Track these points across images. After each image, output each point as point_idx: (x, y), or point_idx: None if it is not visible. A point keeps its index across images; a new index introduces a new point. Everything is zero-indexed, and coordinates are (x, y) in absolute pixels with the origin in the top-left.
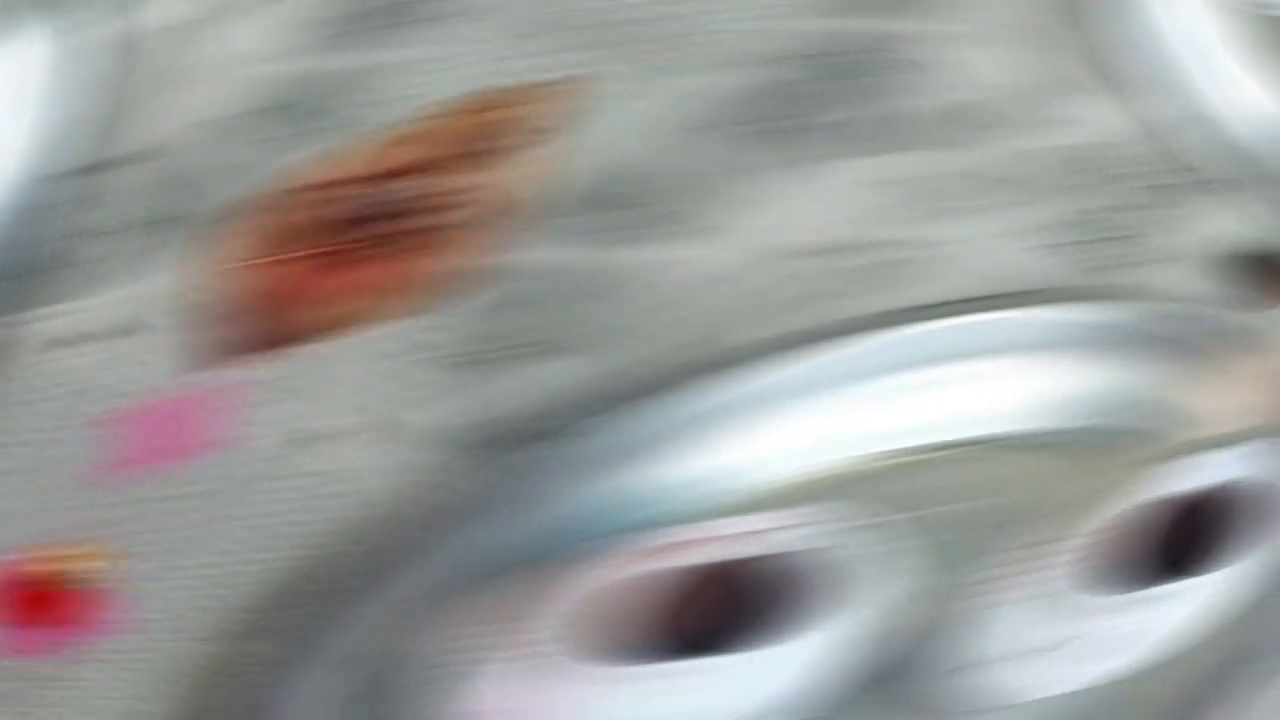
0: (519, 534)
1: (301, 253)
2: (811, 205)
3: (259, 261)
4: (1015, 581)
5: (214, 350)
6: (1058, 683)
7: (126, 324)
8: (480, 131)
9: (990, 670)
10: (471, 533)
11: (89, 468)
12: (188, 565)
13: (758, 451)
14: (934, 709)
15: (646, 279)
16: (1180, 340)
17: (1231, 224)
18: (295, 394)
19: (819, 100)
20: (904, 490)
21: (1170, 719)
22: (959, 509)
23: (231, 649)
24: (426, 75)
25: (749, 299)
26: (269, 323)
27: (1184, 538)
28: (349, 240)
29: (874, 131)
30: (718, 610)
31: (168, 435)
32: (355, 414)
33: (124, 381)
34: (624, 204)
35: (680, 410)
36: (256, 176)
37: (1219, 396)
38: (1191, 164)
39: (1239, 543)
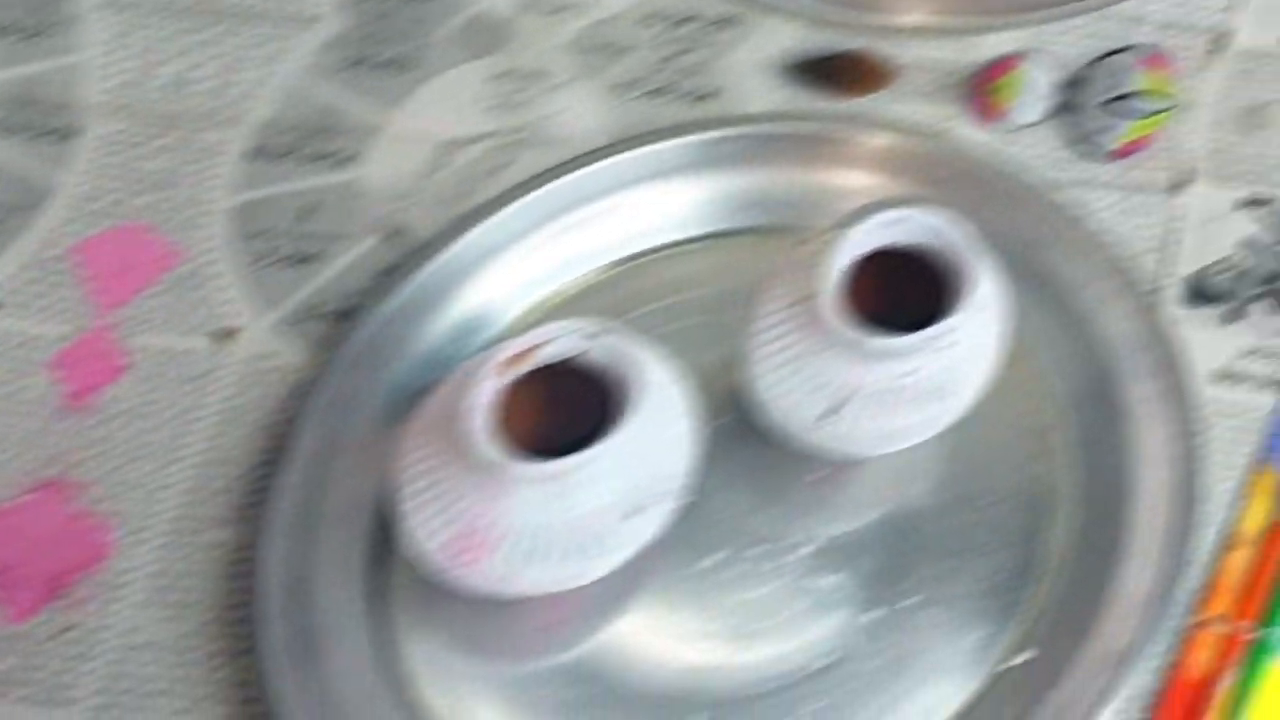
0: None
1: None
2: (448, 109)
3: None
4: (767, 350)
5: None
6: (894, 433)
7: None
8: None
9: (820, 429)
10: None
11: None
12: (139, 477)
13: (506, 288)
14: (799, 462)
15: (341, 194)
16: (787, 140)
17: (795, 38)
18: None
19: (418, 24)
20: (620, 297)
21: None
22: (674, 301)
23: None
24: None
25: (429, 190)
26: None
27: (905, 295)
28: None
29: (473, 37)
30: (561, 414)
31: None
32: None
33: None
34: (300, 143)
35: (443, 269)
36: None
37: (842, 179)
38: None
39: (950, 294)
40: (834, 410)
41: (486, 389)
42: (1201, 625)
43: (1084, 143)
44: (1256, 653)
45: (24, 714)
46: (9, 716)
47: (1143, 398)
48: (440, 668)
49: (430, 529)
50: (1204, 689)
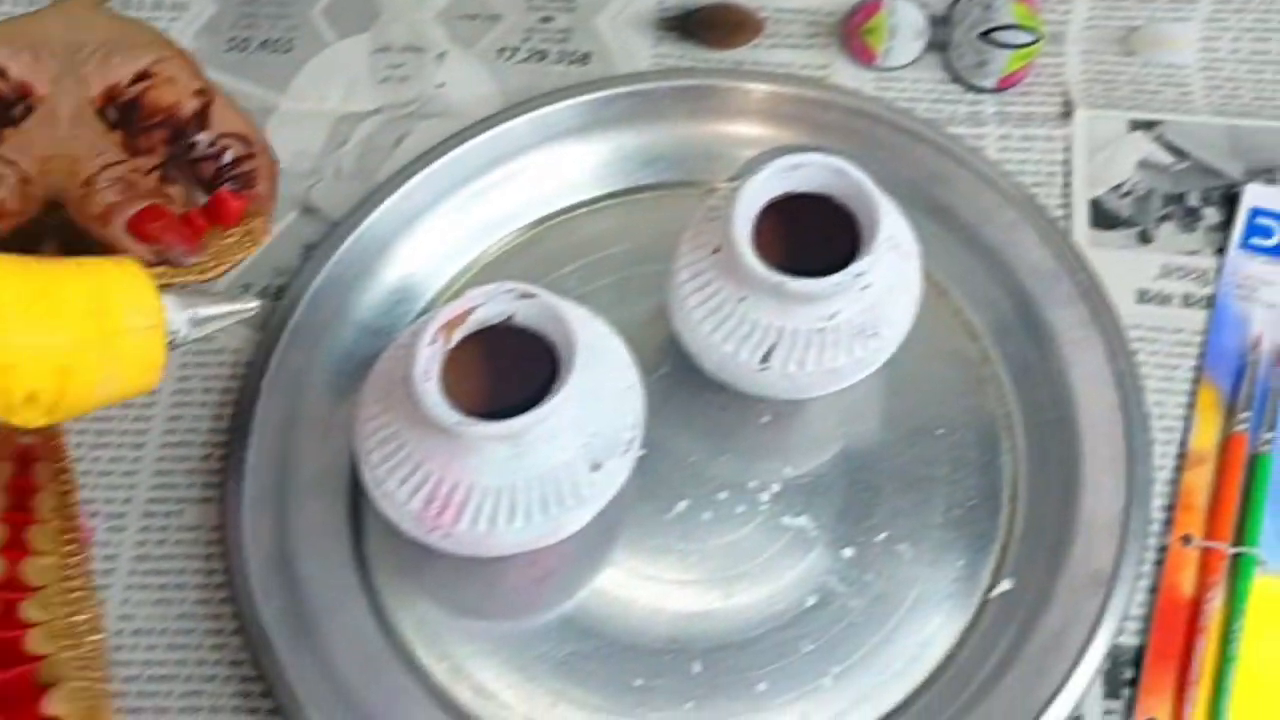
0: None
1: None
2: (336, 85)
3: None
4: (692, 302)
5: None
6: (830, 374)
7: None
8: None
9: (756, 374)
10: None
11: None
12: (103, 465)
13: (427, 258)
14: (745, 406)
15: None
16: (672, 95)
17: None
18: None
19: (285, 5)
20: (536, 259)
21: None
22: (589, 261)
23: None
24: None
25: (333, 167)
26: None
27: (819, 240)
28: None
29: (342, 14)
30: (510, 375)
31: None
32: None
33: None
34: None
35: (363, 243)
36: None
37: (733, 130)
38: None
39: (858, 236)
40: (765, 356)
41: (430, 354)
42: (1183, 542)
43: (966, 77)
44: (1239, 570)
45: None
46: None
47: (1067, 323)
48: (433, 631)
49: (402, 495)
50: (1195, 607)
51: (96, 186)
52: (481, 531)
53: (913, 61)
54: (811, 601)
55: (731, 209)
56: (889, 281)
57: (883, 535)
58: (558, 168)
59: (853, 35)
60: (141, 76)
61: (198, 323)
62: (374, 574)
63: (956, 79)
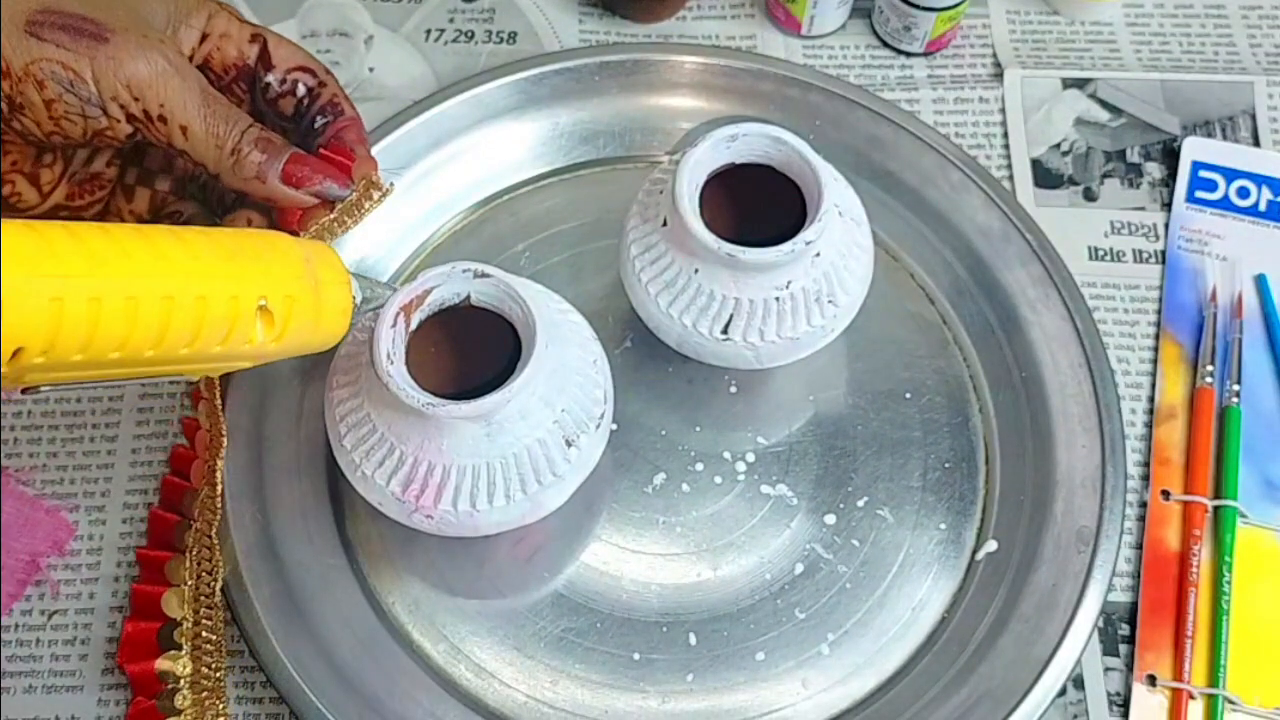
0: None
1: None
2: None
3: None
4: (646, 276)
5: None
6: (791, 342)
7: None
8: None
9: (718, 345)
10: None
11: None
12: (79, 460)
13: (379, 241)
14: (712, 377)
15: None
16: (604, 70)
17: None
18: None
19: None
20: (486, 240)
21: None
22: (539, 239)
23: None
24: None
25: None
26: None
27: (769, 210)
28: None
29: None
30: (477, 356)
31: None
32: None
33: None
34: None
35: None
36: None
37: (668, 102)
38: None
39: (805, 205)
40: (724, 328)
41: (392, 337)
42: (1163, 497)
43: (894, 41)
44: (1222, 523)
45: (36, 704)
46: (22, 708)
47: (1022, 284)
48: (427, 613)
49: (380, 479)
50: (1182, 562)
51: (243, 153)
52: (463, 512)
53: (839, 29)
54: (800, 569)
55: (675, 182)
56: (840, 248)
57: (863, 500)
58: (497, 148)
59: (776, 4)
60: (202, 39)
61: (367, 299)
62: (361, 557)
63: (884, 44)
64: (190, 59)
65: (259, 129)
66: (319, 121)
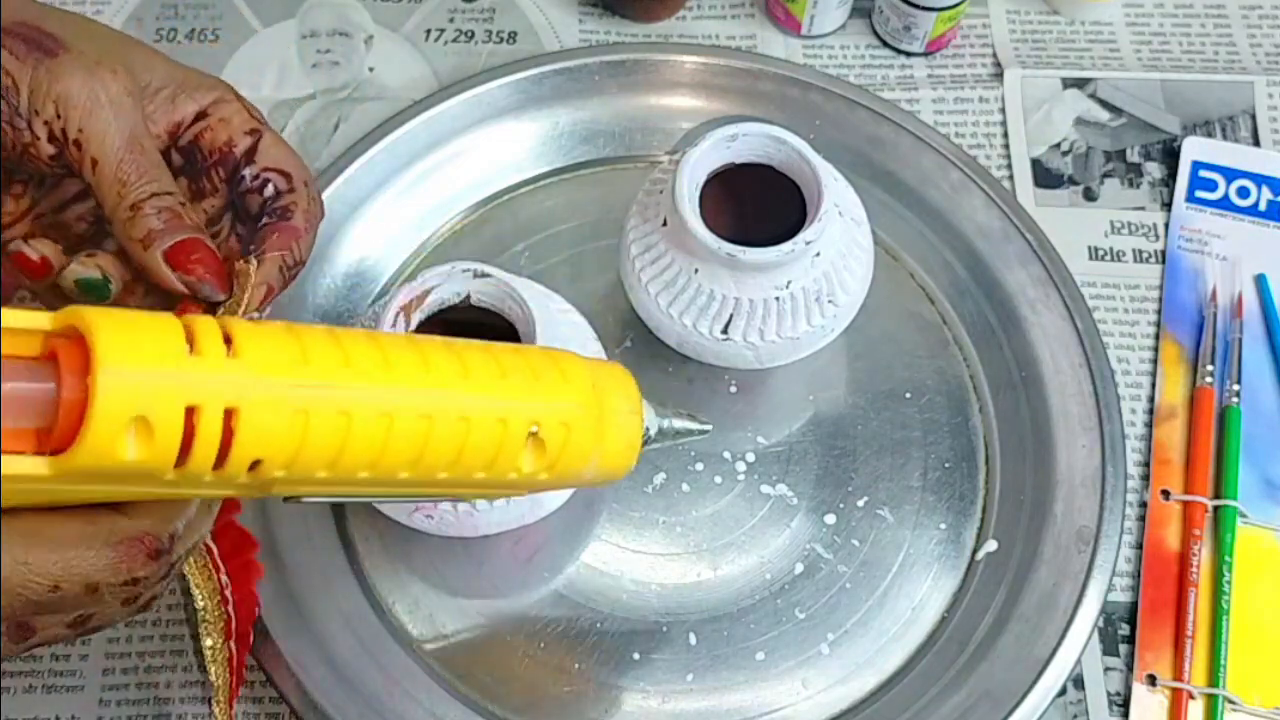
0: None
1: None
2: (269, 72)
3: None
4: (647, 275)
5: None
6: (792, 341)
7: None
8: None
9: (718, 345)
10: None
11: None
12: None
13: (379, 240)
14: (711, 377)
15: None
16: (604, 70)
17: None
18: None
19: None
20: (487, 239)
21: None
22: (539, 239)
23: None
24: None
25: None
26: None
27: (770, 209)
28: None
29: (263, 3)
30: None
31: None
32: None
33: None
34: None
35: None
36: None
37: (668, 102)
38: None
39: (805, 205)
40: (724, 328)
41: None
42: (1163, 496)
43: (894, 41)
44: (1222, 523)
45: (36, 704)
46: (23, 708)
47: (1022, 283)
48: (427, 612)
49: None
50: (1182, 562)
51: (142, 212)
52: (463, 511)
53: (839, 28)
54: (799, 569)
55: (675, 182)
56: (840, 248)
57: (863, 500)
58: (497, 147)
59: (776, 3)
60: (200, 116)
61: (664, 432)
62: (361, 557)
63: (884, 44)
64: (178, 129)
65: (173, 199)
66: (262, 220)
